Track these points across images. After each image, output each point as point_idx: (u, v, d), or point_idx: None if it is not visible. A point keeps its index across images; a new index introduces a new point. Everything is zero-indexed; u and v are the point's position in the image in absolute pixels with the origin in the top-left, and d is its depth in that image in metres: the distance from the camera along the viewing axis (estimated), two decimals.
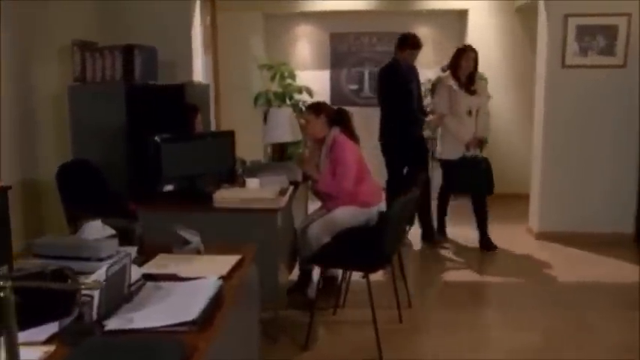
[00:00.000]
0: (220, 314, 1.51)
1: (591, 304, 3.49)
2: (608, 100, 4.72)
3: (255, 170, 3.46)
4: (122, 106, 3.67)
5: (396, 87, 4.51)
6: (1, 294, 0.95)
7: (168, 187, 3.06)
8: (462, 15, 6.71)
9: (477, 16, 6.54)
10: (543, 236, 4.87)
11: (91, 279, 1.51)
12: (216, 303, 1.53)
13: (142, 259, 1.93)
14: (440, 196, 4.82)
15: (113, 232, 1.91)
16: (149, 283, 1.70)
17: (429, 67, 6.83)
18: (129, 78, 3.75)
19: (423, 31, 6.88)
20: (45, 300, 1.33)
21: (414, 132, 4.54)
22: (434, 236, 4.75)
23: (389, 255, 3.02)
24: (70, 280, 1.47)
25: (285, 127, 3.86)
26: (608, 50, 4.69)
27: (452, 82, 4.47)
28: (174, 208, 2.94)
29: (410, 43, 4.54)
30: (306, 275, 3.61)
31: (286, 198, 3.11)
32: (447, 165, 4.60)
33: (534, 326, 3.23)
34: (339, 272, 3.46)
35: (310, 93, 6.45)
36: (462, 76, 4.47)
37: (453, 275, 4.11)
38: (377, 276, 3.40)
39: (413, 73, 4.66)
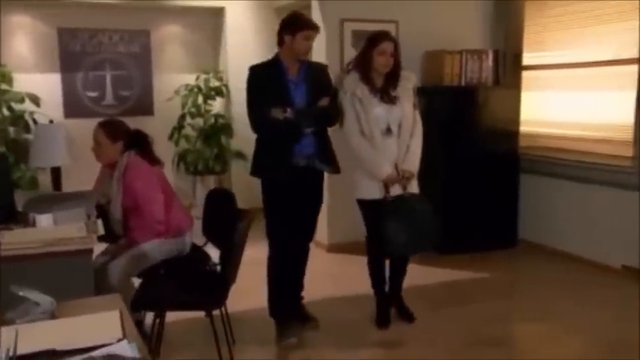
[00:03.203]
0: None
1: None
2: None
3: (42, 203, 3.17)
4: None
5: (249, 94, 3.58)
6: None
7: None
8: (217, 13, 7.03)
9: (234, 15, 6.93)
10: (334, 248, 5.45)
11: None
12: None
13: None
14: (370, 262, 3.85)
15: None
16: None
17: (182, 71, 7.02)
18: None
19: (173, 30, 7.08)
20: None
21: (287, 160, 3.52)
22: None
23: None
24: None
25: (59, 146, 3.59)
26: None
27: (360, 88, 3.57)
28: None
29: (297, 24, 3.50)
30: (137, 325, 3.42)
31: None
32: (366, 208, 3.70)
33: None
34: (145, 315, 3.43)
35: (37, 102, 5.96)
36: (376, 77, 3.60)
37: None
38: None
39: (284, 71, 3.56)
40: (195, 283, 3.23)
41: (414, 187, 3.68)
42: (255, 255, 3.75)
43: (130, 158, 3.39)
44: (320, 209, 3.81)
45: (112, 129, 3.44)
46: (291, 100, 3.50)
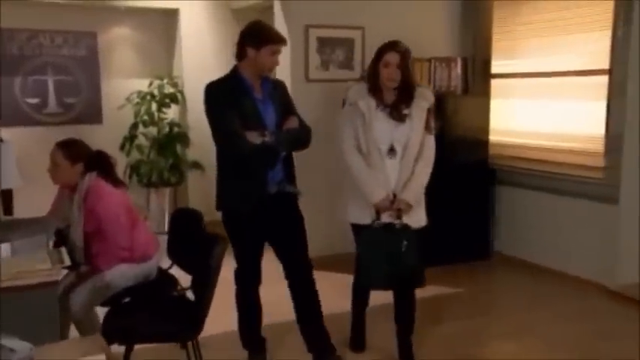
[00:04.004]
0: None
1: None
2: None
3: None
4: None
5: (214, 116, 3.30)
6: None
7: None
8: (170, 14, 6.93)
9: (189, 17, 6.83)
10: None
11: None
12: None
13: None
14: (354, 285, 3.75)
15: None
16: None
17: (134, 77, 6.89)
18: None
19: (123, 33, 6.95)
20: None
21: (260, 189, 3.29)
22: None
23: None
24: None
25: (9, 167, 3.47)
26: (347, 64, 5.56)
27: (365, 100, 3.33)
28: None
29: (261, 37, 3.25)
30: None
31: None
32: (354, 232, 3.52)
33: None
34: None
35: None
36: (385, 91, 3.35)
37: None
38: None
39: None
40: (168, 311, 3.17)
41: (414, 219, 3.38)
42: (223, 275, 3.67)
43: (91, 181, 3.31)
44: (305, 233, 3.52)
45: (71, 150, 3.35)
46: (263, 122, 3.26)
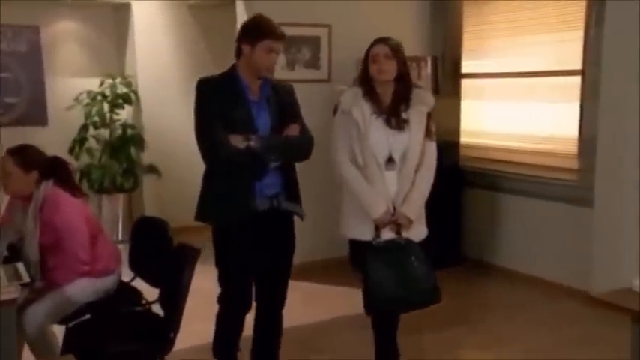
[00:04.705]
0: None
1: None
2: (318, 117, 5.48)
3: None
4: None
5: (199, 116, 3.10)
6: None
7: None
8: (122, 9, 6.78)
9: (142, 12, 6.69)
10: None
11: None
12: None
13: None
14: (374, 321, 3.35)
15: None
16: None
17: (83, 75, 6.71)
18: None
19: (69, 27, 6.78)
20: None
21: (245, 203, 3.05)
22: None
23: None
24: None
25: None
26: (313, 63, 5.52)
27: (359, 105, 3.12)
28: None
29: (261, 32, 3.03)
30: None
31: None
32: (353, 249, 3.30)
33: None
34: None
35: None
36: (382, 94, 3.15)
37: None
38: None
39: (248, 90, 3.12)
40: (134, 328, 3.11)
41: (414, 233, 3.23)
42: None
43: (47, 190, 3.21)
44: (291, 264, 3.32)
45: (23, 157, 3.23)
46: (254, 126, 3.03)
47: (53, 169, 3.28)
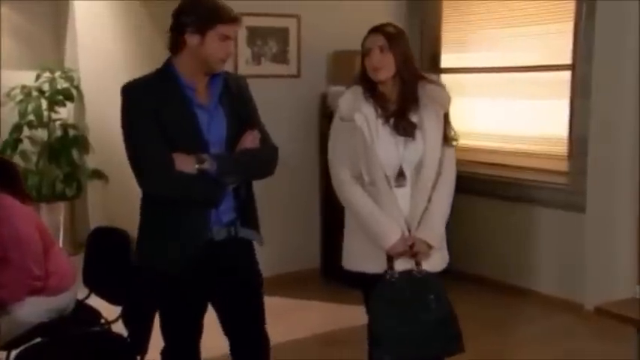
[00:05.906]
0: None
1: None
2: (287, 115, 5.37)
3: None
4: None
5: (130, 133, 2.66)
6: None
7: None
8: None
9: (83, 1, 6.46)
10: None
11: None
12: None
13: None
14: None
15: None
16: None
17: (15, 68, 6.44)
18: None
19: (4, 17, 6.43)
20: None
21: (199, 236, 2.64)
22: None
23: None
24: None
25: None
26: (282, 57, 5.41)
27: (362, 110, 2.75)
28: None
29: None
30: None
31: None
32: (358, 284, 2.93)
33: None
34: None
35: None
36: (387, 93, 2.81)
37: None
38: None
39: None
40: (94, 352, 3.05)
41: (434, 262, 2.86)
42: None
43: None
44: (262, 294, 2.89)
45: None
46: (204, 140, 2.59)
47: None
